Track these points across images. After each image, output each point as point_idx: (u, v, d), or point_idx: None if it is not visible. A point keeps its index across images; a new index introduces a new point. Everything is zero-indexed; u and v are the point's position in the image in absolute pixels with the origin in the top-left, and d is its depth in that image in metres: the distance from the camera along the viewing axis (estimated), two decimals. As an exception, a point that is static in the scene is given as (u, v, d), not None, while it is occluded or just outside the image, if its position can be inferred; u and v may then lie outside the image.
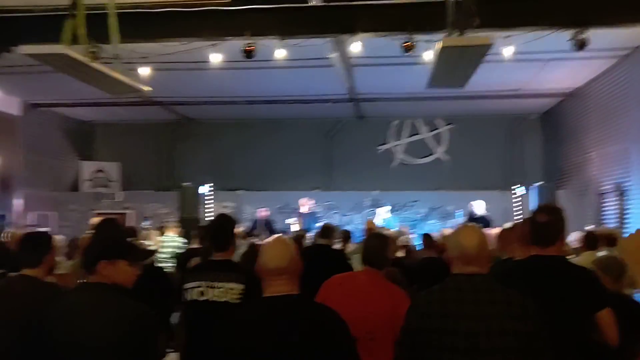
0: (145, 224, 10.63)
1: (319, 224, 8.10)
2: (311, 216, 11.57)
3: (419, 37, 6.98)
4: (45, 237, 3.41)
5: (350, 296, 3.33)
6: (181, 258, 6.58)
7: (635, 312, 3.81)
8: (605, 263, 4.01)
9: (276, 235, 2.73)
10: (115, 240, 2.73)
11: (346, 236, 7.80)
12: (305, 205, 11.80)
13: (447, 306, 2.41)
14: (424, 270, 5.56)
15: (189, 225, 8.88)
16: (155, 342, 2.48)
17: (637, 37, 8.23)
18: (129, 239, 2.90)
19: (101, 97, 8.51)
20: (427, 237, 6.57)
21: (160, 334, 3.66)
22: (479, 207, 11.28)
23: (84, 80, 5.99)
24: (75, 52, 5.28)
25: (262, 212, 11.74)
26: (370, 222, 9.58)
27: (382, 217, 11.79)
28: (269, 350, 2.25)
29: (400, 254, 6.82)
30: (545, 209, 3.27)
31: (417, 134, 14.88)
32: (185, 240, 8.04)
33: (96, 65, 5.58)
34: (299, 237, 7.59)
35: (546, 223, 3.09)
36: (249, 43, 7.06)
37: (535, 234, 3.11)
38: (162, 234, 8.13)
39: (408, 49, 6.94)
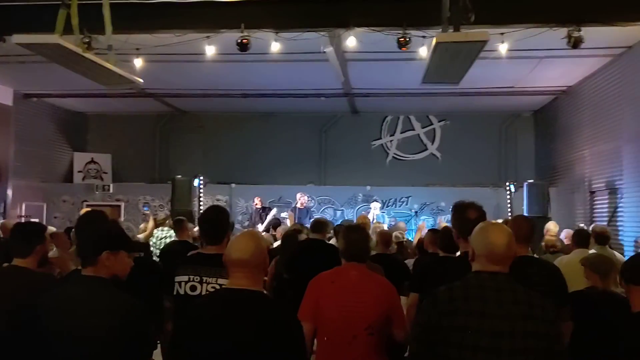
0: (145, 210, 10.61)
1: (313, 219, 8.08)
2: (305, 211, 11.57)
3: (414, 33, 6.98)
4: (37, 228, 3.40)
5: (346, 293, 3.27)
6: (166, 249, 6.46)
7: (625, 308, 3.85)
8: (593, 261, 4.06)
9: (248, 229, 2.72)
10: (117, 230, 2.74)
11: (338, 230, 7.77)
12: (300, 200, 11.82)
13: (470, 304, 2.34)
14: (434, 270, 5.30)
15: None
16: (147, 336, 2.48)
17: (632, 36, 8.25)
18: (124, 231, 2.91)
19: (94, 88, 8.44)
20: (434, 233, 6.17)
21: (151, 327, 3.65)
22: None
23: (76, 71, 5.95)
24: (68, 42, 5.24)
25: (256, 203, 11.77)
26: (364, 217, 9.57)
27: (376, 212, 11.82)
28: (221, 344, 2.26)
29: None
30: (473, 205, 3.31)
31: (410, 130, 14.90)
32: None
33: (89, 55, 5.54)
34: (295, 231, 7.54)
35: (477, 219, 3.09)
36: (244, 36, 7.03)
37: (467, 230, 3.05)
38: (156, 225, 8.06)
39: (403, 44, 6.94)
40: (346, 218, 12.82)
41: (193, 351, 2.32)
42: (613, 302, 3.88)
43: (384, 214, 12.14)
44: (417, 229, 9.16)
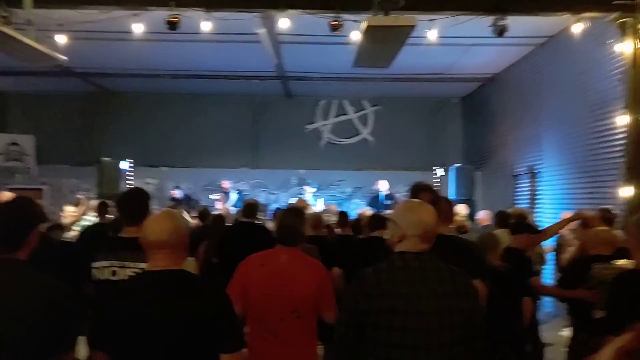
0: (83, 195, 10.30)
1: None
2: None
3: (347, 17, 7.01)
4: None
5: (274, 276, 3.25)
6: (87, 233, 6.18)
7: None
8: (482, 239, 4.42)
9: (165, 209, 2.64)
10: (33, 207, 2.53)
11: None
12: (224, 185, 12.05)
13: (397, 285, 2.35)
14: (343, 248, 5.63)
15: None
16: (78, 326, 2.29)
17: (553, 26, 8.62)
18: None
19: (14, 65, 8.06)
20: (342, 215, 6.61)
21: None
22: (384, 186, 11.80)
23: (-7, 46, 5.64)
24: (-17, 15, 4.96)
25: (175, 192, 11.83)
26: (302, 200, 9.61)
27: (309, 195, 11.93)
28: (148, 327, 2.21)
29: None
30: (428, 188, 3.39)
31: (344, 115, 15.04)
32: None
33: (7, 30, 5.26)
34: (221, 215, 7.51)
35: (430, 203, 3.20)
36: (173, 14, 6.85)
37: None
38: (79, 210, 7.76)
39: (335, 28, 6.96)
40: (280, 202, 12.88)
41: (120, 336, 2.25)
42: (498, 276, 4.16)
43: (316, 196, 12.25)
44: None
